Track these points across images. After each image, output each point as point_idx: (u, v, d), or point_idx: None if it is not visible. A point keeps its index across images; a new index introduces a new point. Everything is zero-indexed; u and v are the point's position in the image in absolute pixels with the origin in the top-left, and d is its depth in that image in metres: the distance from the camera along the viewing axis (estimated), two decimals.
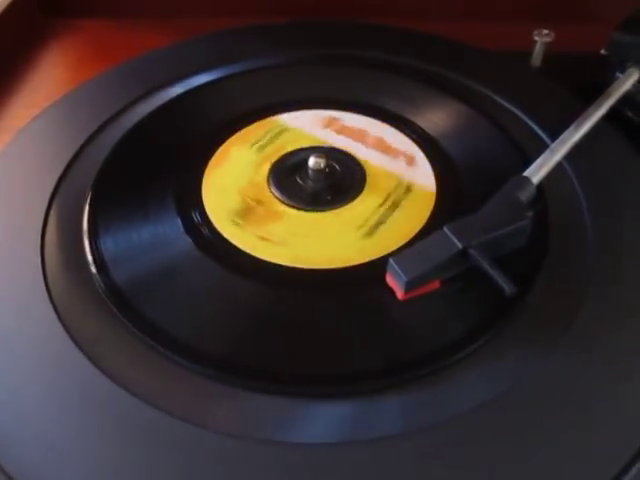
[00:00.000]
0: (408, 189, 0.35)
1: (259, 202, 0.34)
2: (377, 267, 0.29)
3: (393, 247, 0.31)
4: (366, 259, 0.31)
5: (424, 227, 0.32)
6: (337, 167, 0.36)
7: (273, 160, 0.36)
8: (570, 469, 0.24)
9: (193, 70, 0.43)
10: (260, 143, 0.37)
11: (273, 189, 0.35)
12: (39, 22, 0.53)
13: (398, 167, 0.36)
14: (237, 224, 0.33)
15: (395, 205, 0.34)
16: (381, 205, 0.34)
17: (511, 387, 0.26)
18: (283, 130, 0.39)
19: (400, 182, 0.35)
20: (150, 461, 0.24)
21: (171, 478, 0.24)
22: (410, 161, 0.36)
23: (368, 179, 0.35)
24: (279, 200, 0.34)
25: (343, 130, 0.38)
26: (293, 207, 0.34)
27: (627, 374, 0.27)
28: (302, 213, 0.33)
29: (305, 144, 0.37)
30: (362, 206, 0.34)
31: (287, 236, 0.32)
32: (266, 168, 0.36)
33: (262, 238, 0.32)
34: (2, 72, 0.47)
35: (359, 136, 0.38)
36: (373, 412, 0.26)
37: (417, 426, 0.25)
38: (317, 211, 0.34)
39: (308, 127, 0.39)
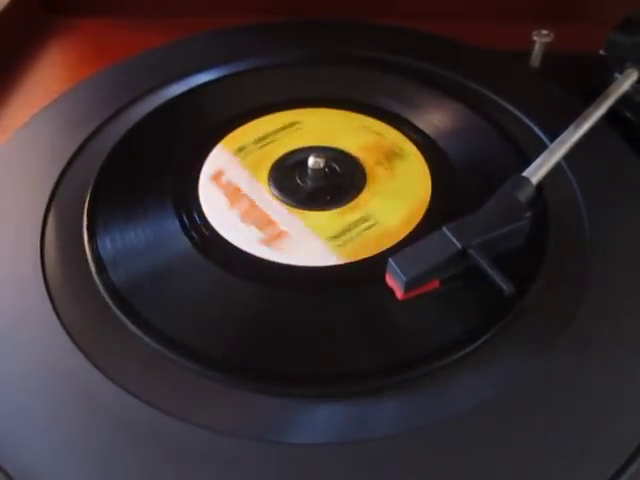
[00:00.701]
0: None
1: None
2: (376, 266, 0.29)
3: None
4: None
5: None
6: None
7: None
8: (569, 468, 0.24)
9: (193, 69, 0.43)
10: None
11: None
12: (38, 21, 0.53)
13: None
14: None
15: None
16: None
17: (509, 387, 0.26)
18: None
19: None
20: (149, 461, 0.24)
21: (170, 477, 0.24)
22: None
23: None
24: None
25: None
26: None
27: (625, 373, 0.27)
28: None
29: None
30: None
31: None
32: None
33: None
34: (1, 71, 0.47)
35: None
36: (371, 412, 0.26)
37: (415, 426, 0.25)
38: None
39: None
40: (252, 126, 0.39)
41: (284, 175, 0.35)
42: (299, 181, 0.35)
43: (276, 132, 0.38)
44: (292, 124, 0.39)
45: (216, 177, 0.36)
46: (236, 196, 0.34)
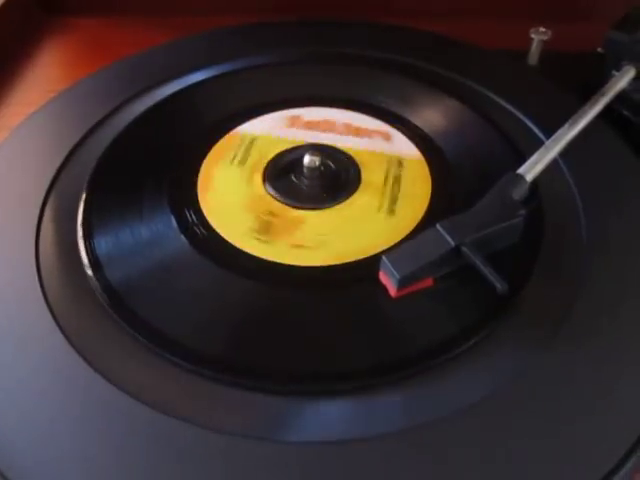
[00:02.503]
0: (400, 163, 0.36)
1: (272, 214, 0.33)
2: (369, 266, 0.29)
3: (420, 217, 0.33)
4: (400, 237, 0.32)
5: (432, 194, 0.34)
6: (328, 161, 0.36)
7: (261, 169, 0.36)
8: (567, 466, 0.24)
9: (190, 68, 0.43)
10: (238, 158, 0.37)
11: (279, 198, 0.34)
12: (35, 20, 0.53)
13: (379, 145, 0.37)
14: (264, 241, 0.32)
15: (397, 180, 0.35)
16: (385, 183, 0.35)
17: (505, 385, 0.26)
18: (253, 139, 0.38)
19: (390, 158, 0.36)
20: (148, 461, 0.24)
21: (170, 478, 0.24)
22: (387, 137, 0.37)
23: (360, 165, 0.36)
24: (291, 206, 0.34)
25: (309, 125, 0.39)
26: (307, 209, 0.34)
27: (621, 371, 0.27)
28: (318, 212, 0.33)
29: (281, 147, 0.37)
30: (369, 190, 0.34)
31: (318, 237, 0.32)
32: (258, 179, 0.35)
33: (296, 246, 0.32)
34: None
35: (327, 127, 0.38)
36: (368, 411, 0.26)
37: (412, 425, 0.25)
38: (330, 207, 0.34)
39: (274, 130, 0.38)
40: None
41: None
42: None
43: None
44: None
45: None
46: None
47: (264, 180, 0.35)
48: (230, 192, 0.35)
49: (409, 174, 0.35)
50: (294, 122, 0.39)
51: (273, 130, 0.38)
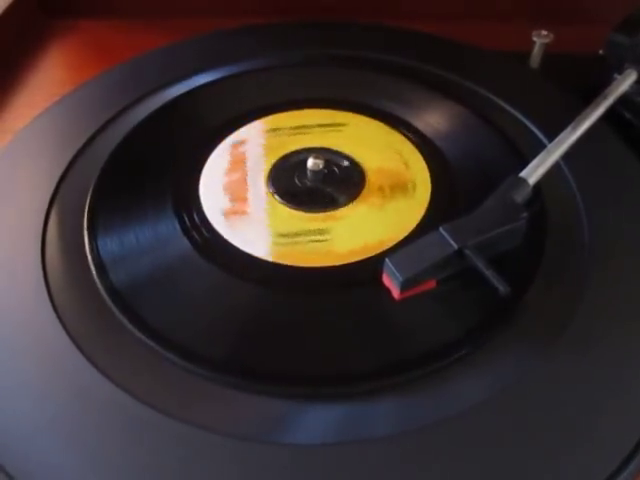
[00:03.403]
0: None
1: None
2: (369, 268, 0.30)
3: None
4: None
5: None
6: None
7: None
8: (568, 468, 0.24)
9: (193, 70, 0.43)
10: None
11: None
12: (39, 23, 0.53)
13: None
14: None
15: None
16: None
17: (507, 387, 0.26)
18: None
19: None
20: (148, 461, 0.24)
21: (169, 477, 0.24)
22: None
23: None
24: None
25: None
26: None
27: (624, 373, 0.27)
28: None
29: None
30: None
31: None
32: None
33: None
34: (3, 73, 0.47)
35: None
36: (369, 413, 0.26)
37: (413, 427, 0.25)
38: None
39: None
40: (293, 115, 0.39)
41: (287, 166, 0.36)
42: (296, 179, 0.35)
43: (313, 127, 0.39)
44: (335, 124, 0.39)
45: (237, 145, 0.37)
46: (237, 165, 0.36)
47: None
48: None
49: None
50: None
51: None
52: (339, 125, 0.39)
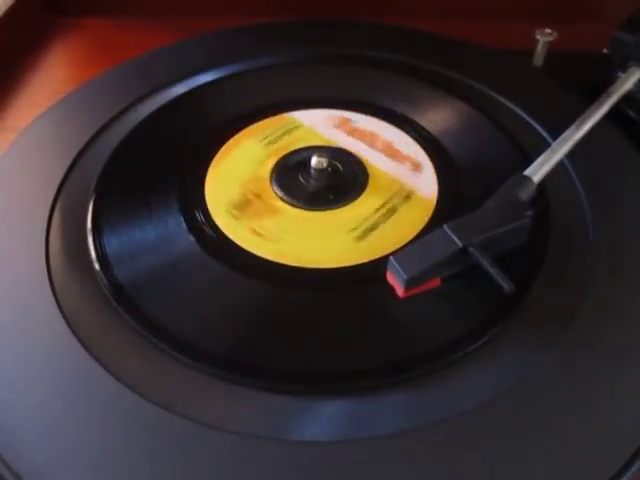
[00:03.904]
0: (408, 196, 0.34)
1: (258, 196, 0.34)
2: (378, 266, 0.29)
3: (381, 253, 0.31)
4: (354, 262, 0.31)
5: (415, 236, 0.32)
6: (340, 168, 0.36)
7: (279, 156, 0.37)
8: (569, 468, 0.24)
9: (198, 68, 0.43)
10: (269, 138, 0.38)
11: (274, 185, 0.35)
12: (42, 21, 0.53)
13: (402, 173, 0.36)
14: (233, 216, 0.33)
15: (392, 211, 0.33)
16: (378, 210, 0.34)
17: (511, 386, 0.26)
18: (295, 127, 0.39)
19: (401, 188, 0.35)
20: (153, 458, 0.24)
21: (173, 474, 0.24)
22: (416, 167, 0.36)
23: (370, 182, 0.35)
24: (278, 196, 0.34)
25: (353, 132, 0.38)
26: (291, 204, 0.34)
27: (627, 372, 0.27)
28: (298, 211, 0.34)
29: (314, 143, 0.37)
30: (359, 209, 0.34)
31: (279, 232, 0.32)
32: (271, 164, 0.36)
33: (254, 231, 0.32)
34: (6, 71, 0.47)
35: (369, 139, 0.38)
36: (373, 411, 0.26)
37: (417, 424, 0.25)
38: (313, 210, 0.34)
39: (320, 126, 0.39)
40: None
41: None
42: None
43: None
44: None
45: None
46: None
47: (274, 166, 0.36)
48: (240, 165, 0.36)
49: (407, 210, 0.34)
50: (342, 124, 0.39)
51: (319, 126, 0.39)
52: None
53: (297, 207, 0.34)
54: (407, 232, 0.32)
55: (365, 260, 0.31)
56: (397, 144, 0.38)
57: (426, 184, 0.35)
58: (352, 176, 0.36)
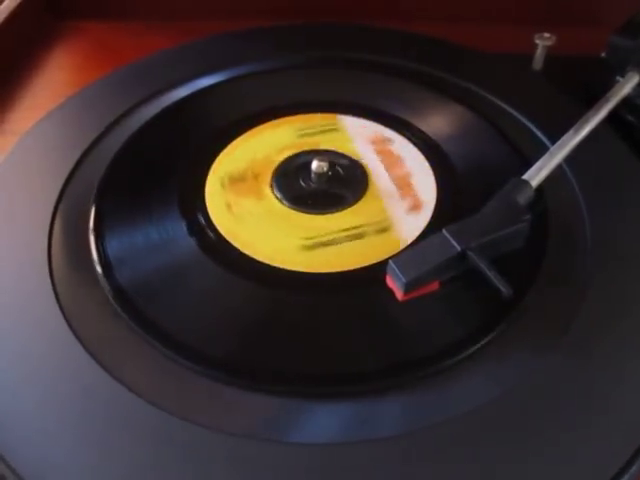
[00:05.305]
0: (383, 230, 0.33)
1: (255, 177, 0.36)
2: (377, 270, 0.30)
3: (314, 269, 0.31)
4: (286, 265, 0.31)
5: (358, 267, 0.31)
6: (342, 180, 0.36)
7: (299, 150, 0.37)
8: (570, 469, 0.24)
9: (198, 72, 0.43)
10: (306, 131, 0.38)
11: (275, 173, 0.36)
12: (44, 24, 0.53)
13: (397, 207, 0.34)
14: (222, 184, 0.35)
15: (358, 237, 0.33)
16: (345, 230, 0.33)
17: (510, 388, 0.27)
18: (334, 129, 0.39)
19: (382, 220, 0.33)
20: (153, 461, 0.25)
21: (173, 477, 0.24)
22: (415, 207, 0.34)
23: (358, 203, 0.34)
24: (269, 184, 0.35)
25: (383, 152, 0.37)
26: (275, 196, 0.35)
27: (626, 374, 0.27)
28: (276, 203, 0.34)
29: (339, 149, 0.37)
30: (328, 223, 0.33)
31: (246, 214, 0.33)
32: (288, 154, 0.37)
33: (228, 205, 0.34)
34: (8, 74, 0.47)
35: (391, 162, 0.37)
36: (373, 413, 0.26)
37: (417, 427, 0.25)
38: (289, 208, 0.34)
39: (358, 137, 0.38)
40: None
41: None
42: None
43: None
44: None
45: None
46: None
47: (287, 158, 0.37)
48: (263, 145, 0.38)
49: (373, 241, 0.32)
50: (377, 142, 0.38)
51: (358, 137, 0.38)
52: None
53: (278, 200, 0.34)
54: (355, 261, 0.31)
55: (295, 268, 0.31)
56: (415, 177, 0.36)
57: (410, 226, 0.33)
58: (346, 192, 0.35)
